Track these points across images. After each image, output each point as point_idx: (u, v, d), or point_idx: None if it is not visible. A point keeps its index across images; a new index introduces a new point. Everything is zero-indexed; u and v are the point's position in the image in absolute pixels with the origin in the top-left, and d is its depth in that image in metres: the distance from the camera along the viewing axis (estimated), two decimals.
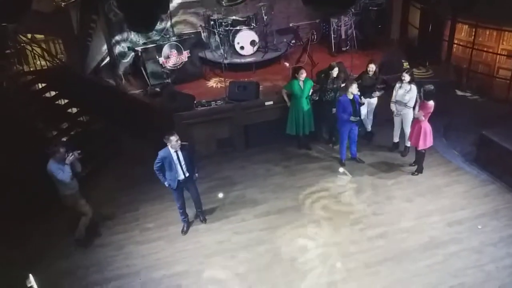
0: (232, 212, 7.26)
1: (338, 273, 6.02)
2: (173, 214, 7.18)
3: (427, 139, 7.42)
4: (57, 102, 9.49)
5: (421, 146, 7.49)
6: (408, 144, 8.21)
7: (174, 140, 6.19)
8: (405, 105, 7.82)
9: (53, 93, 9.50)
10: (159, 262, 6.39)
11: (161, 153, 6.30)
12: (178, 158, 6.34)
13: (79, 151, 6.23)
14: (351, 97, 7.60)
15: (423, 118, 7.27)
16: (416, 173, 7.84)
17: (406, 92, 7.75)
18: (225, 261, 6.32)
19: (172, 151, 6.28)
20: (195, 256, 6.45)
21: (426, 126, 7.36)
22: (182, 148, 6.34)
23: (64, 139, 8.23)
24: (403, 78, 7.76)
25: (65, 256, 6.56)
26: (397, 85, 7.94)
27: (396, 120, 8.20)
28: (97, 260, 6.47)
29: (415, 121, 7.48)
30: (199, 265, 6.28)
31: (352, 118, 7.64)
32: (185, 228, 6.93)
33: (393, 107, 8.04)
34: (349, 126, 7.80)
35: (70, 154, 6.10)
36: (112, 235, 6.92)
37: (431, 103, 7.16)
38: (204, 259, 6.38)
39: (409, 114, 7.87)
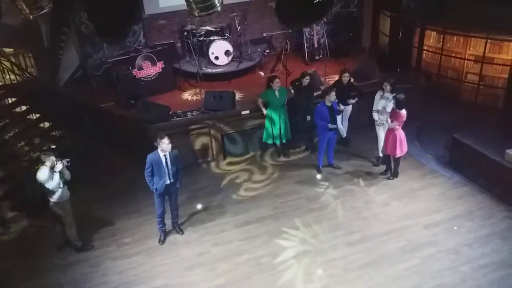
0: (211, 223, 7.20)
1: (319, 280, 6.03)
2: (151, 228, 7.06)
3: (403, 146, 7.57)
4: (28, 117, 9.26)
5: (398, 154, 7.61)
6: (381, 154, 8.31)
7: (166, 143, 6.25)
8: (388, 114, 7.87)
9: (23, 107, 9.28)
10: (138, 277, 6.25)
11: (150, 156, 6.34)
12: (166, 161, 6.37)
13: (68, 159, 6.20)
14: (329, 104, 7.67)
15: (398, 127, 7.41)
16: (391, 177, 7.96)
17: (388, 102, 7.78)
18: (205, 273, 6.24)
19: (161, 154, 6.32)
20: (175, 269, 6.34)
21: (401, 134, 7.50)
22: (170, 152, 6.40)
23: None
24: (384, 87, 7.82)
25: (38, 274, 6.35)
26: (378, 94, 7.96)
27: (379, 130, 8.15)
28: (73, 278, 6.28)
29: (389, 130, 7.59)
30: (179, 279, 6.18)
31: (329, 126, 7.70)
32: (162, 238, 6.87)
33: (375, 116, 8.04)
34: (328, 133, 7.87)
35: (59, 162, 6.06)
36: (88, 251, 6.73)
37: (403, 111, 7.29)
38: (184, 272, 6.28)
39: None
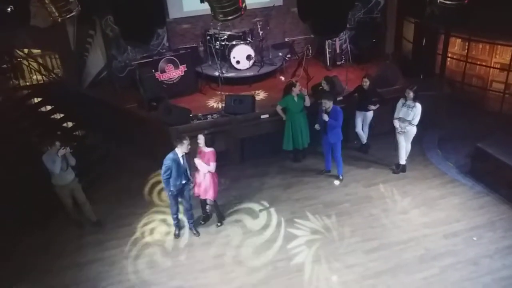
0: (228, 226, 7.23)
1: (334, 286, 5.98)
2: (168, 229, 7.15)
3: (215, 190, 6.89)
4: (52, 117, 9.49)
5: (210, 196, 6.88)
6: (403, 162, 8.21)
7: (186, 144, 6.46)
8: (409, 122, 7.75)
9: (48, 107, 9.52)
10: (153, 277, 6.32)
11: (170, 157, 6.46)
12: (183, 162, 6.59)
13: (70, 147, 6.79)
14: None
15: (212, 170, 6.73)
16: (219, 224, 7.21)
17: (410, 110, 7.68)
18: (220, 276, 6.27)
19: (179, 155, 6.50)
20: (190, 271, 6.39)
21: (214, 177, 6.85)
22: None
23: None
24: (406, 94, 7.69)
25: (55, 272, 6.48)
26: (401, 102, 7.82)
27: (400, 139, 8.01)
28: (89, 276, 6.39)
29: (208, 173, 6.77)
30: (194, 281, 6.22)
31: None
32: (177, 232, 7.04)
33: (396, 123, 7.91)
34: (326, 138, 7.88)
35: (62, 147, 6.61)
36: (105, 250, 6.84)
37: (211, 150, 6.71)
38: (199, 274, 6.32)
39: (412, 131, 7.84)
